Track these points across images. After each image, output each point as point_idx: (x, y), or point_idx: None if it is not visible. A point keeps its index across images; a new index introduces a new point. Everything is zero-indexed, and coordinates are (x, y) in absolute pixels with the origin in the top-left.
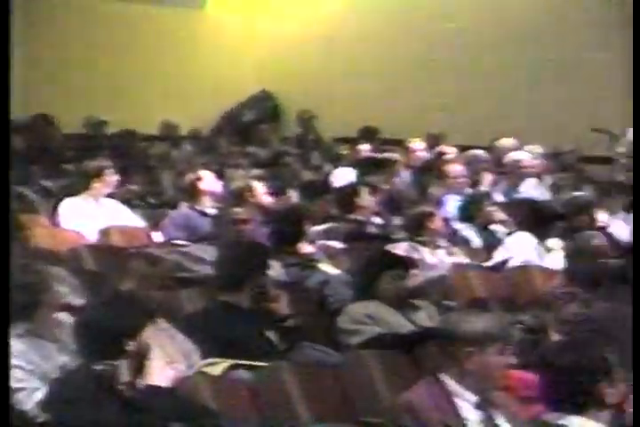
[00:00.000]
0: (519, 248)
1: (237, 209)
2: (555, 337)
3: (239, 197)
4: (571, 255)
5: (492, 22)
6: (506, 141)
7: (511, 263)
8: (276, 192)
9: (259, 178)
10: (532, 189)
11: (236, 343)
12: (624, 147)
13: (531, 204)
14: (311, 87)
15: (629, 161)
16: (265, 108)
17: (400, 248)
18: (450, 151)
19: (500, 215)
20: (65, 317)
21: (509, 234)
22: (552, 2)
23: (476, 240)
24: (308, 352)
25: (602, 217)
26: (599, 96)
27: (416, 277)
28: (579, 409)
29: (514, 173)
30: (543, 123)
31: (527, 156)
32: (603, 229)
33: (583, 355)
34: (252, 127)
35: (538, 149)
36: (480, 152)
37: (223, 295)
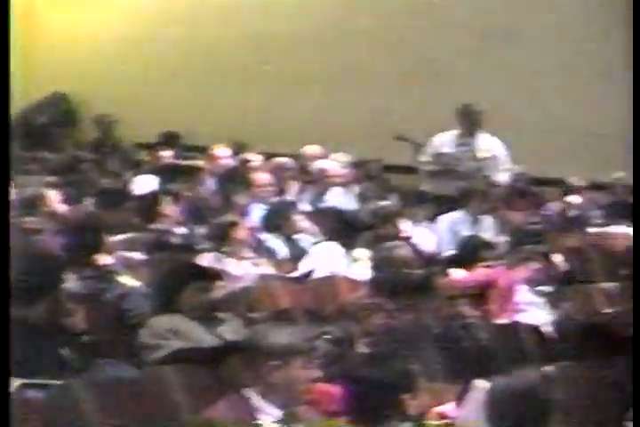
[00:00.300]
0: (325, 258)
1: (29, 218)
2: (361, 349)
3: (31, 205)
4: (376, 265)
5: (290, 28)
6: (311, 149)
7: (317, 274)
8: (72, 200)
9: (52, 185)
10: (338, 199)
11: (29, 361)
12: (427, 155)
13: (337, 213)
14: (112, 90)
15: (434, 169)
16: (59, 110)
17: (204, 259)
18: (255, 159)
19: (307, 225)
20: None
21: (315, 244)
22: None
23: (283, 250)
24: (104, 369)
25: (406, 227)
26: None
27: (221, 289)
28: (382, 422)
29: (320, 182)
30: (350, 131)
31: (333, 164)
32: (407, 238)
33: (387, 367)
34: (45, 131)
35: (344, 157)
36: (285, 160)
37: (15, 310)
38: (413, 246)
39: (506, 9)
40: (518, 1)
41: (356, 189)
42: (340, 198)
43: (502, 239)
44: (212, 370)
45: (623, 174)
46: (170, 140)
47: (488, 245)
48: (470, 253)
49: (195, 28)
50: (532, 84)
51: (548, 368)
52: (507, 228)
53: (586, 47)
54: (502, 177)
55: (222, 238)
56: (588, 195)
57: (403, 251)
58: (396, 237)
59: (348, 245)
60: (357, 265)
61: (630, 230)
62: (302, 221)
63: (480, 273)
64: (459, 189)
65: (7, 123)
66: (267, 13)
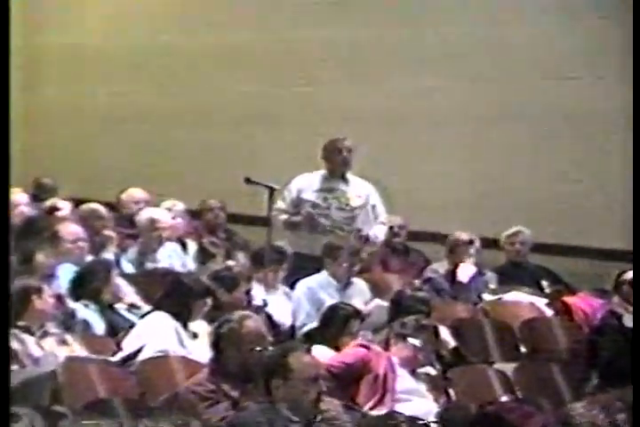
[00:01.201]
0: (154, 334)
1: None
2: None
3: None
4: (219, 342)
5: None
6: (134, 194)
7: (145, 354)
8: None
9: None
10: (170, 257)
11: None
12: (284, 203)
13: (169, 276)
14: None
15: (293, 220)
16: None
17: None
18: (62, 206)
19: (130, 291)
20: None
21: (143, 316)
22: None
23: (99, 324)
24: None
25: (257, 293)
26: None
27: (16, 376)
28: None
29: (147, 236)
30: (187, 171)
31: (164, 213)
32: (258, 308)
33: None
34: None
35: (177, 204)
36: (100, 207)
37: None
38: (265, 318)
39: None
40: None
41: (194, 244)
42: (174, 257)
43: (377, 308)
44: None
45: (521, 229)
46: None
47: (359, 316)
48: (337, 326)
49: None
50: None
51: None
52: (382, 294)
53: None
54: (378, 231)
55: (19, 309)
56: (481, 253)
57: (252, 324)
58: (244, 306)
59: (184, 316)
60: (195, 342)
61: (532, 298)
62: (124, 287)
63: (349, 353)
64: (323, 245)
65: (7, 123)
66: None
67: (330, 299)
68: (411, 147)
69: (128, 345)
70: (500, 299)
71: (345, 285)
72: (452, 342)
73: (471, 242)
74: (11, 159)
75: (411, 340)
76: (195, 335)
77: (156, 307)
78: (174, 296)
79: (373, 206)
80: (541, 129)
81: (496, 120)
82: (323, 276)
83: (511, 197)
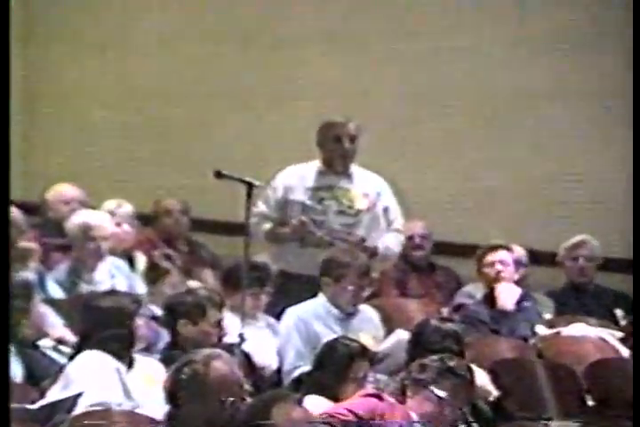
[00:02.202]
0: (91, 380)
1: None
2: None
3: None
4: (177, 391)
5: None
6: (65, 191)
7: (83, 405)
8: None
9: None
10: (114, 277)
11: None
12: (266, 205)
13: (109, 303)
14: None
15: (278, 229)
16: None
17: None
18: None
19: (57, 322)
20: None
21: (73, 356)
22: None
23: (16, 369)
24: None
25: (231, 325)
26: None
27: None
28: None
29: (82, 248)
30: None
31: (104, 218)
32: (231, 346)
33: None
34: None
35: (124, 207)
36: (13, 210)
37: None
38: (242, 358)
39: None
40: None
41: (144, 259)
42: (118, 276)
43: (396, 344)
44: None
45: (587, 239)
46: None
47: (366, 356)
48: (336, 368)
49: None
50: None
51: None
52: (398, 326)
53: None
54: (390, 241)
55: None
56: (530, 271)
57: (222, 366)
58: (213, 342)
59: (129, 355)
60: (146, 390)
61: (602, 333)
62: (50, 317)
63: (357, 402)
64: (322, 261)
65: (7, 125)
66: None
67: (329, 333)
68: (430, 132)
69: (54, 394)
70: (558, 333)
71: (349, 314)
72: (492, 392)
73: (505, 249)
74: None
75: (434, 389)
76: (144, 381)
77: (92, 344)
78: (112, 328)
79: (385, 209)
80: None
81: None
82: (319, 302)
83: (566, 196)
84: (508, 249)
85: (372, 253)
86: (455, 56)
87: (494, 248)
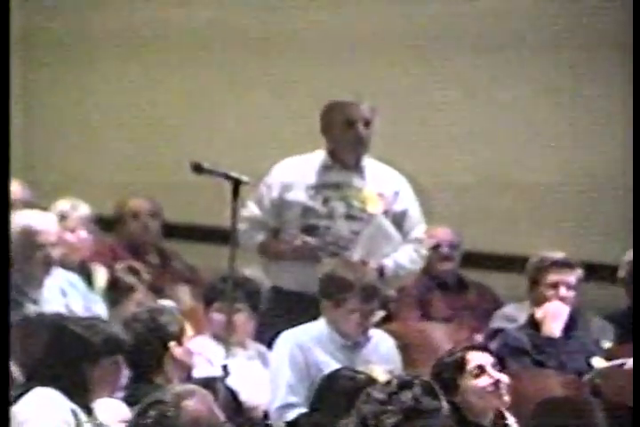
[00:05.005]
0: (39, 423)
1: None
2: None
3: None
4: None
5: None
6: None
7: None
8: None
9: None
10: (66, 294)
11: None
12: (258, 206)
13: (57, 328)
14: None
15: (270, 237)
16: None
17: None
18: None
19: None
20: None
21: (20, 395)
22: None
23: None
24: None
25: (213, 354)
26: None
27: None
28: None
29: (25, 259)
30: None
31: (52, 221)
32: (215, 380)
33: None
34: None
35: (80, 207)
36: None
37: None
38: (225, 396)
39: None
40: None
41: (104, 273)
42: (71, 294)
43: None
44: None
45: None
46: None
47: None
48: (339, 408)
49: None
50: None
51: None
52: (421, 357)
53: None
54: (405, 257)
55: None
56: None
57: (198, 406)
58: (187, 376)
59: (83, 393)
60: None
61: None
62: None
63: None
64: (320, 278)
65: (7, 129)
66: None
67: (332, 363)
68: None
69: None
70: (619, 366)
71: (357, 342)
72: None
73: (571, 268)
74: None
75: None
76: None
77: (38, 379)
78: (62, 359)
79: (403, 213)
80: None
81: None
82: (320, 327)
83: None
84: (573, 266)
85: (379, 272)
86: None
87: (558, 264)
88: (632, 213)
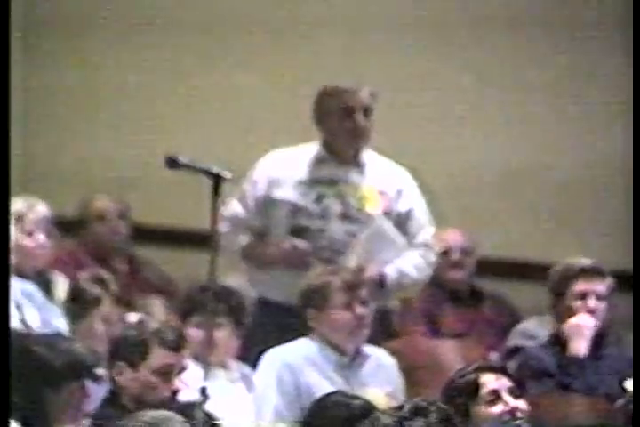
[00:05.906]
0: None
1: None
2: None
3: None
4: None
5: None
6: None
7: None
8: None
9: None
10: (21, 307)
11: None
12: (242, 205)
13: (22, 350)
14: None
15: (255, 240)
16: None
17: None
18: None
19: None
20: None
21: None
22: None
23: None
24: None
25: (190, 375)
26: None
27: None
28: None
29: None
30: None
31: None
32: (193, 405)
33: None
34: None
35: (38, 208)
36: None
37: None
38: (205, 422)
39: None
40: None
41: (65, 283)
42: (27, 307)
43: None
44: None
45: None
46: None
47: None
48: None
49: None
50: None
51: None
52: (427, 379)
53: None
54: (410, 264)
55: None
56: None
57: None
58: (161, 397)
59: (44, 421)
60: None
61: None
62: None
63: None
64: (301, 289)
65: (7, 126)
66: None
67: (325, 385)
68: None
69: None
70: None
71: (353, 359)
72: None
73: (601, 276)
74: None
75: None
76: None
77: None
78: (21, 383)
79: (408, 214)
80: None
81: None
82: (310, 343)
83: None
84: (604, 274)
85: (380, 283)
86: None
87: (587, 272)
88: None
